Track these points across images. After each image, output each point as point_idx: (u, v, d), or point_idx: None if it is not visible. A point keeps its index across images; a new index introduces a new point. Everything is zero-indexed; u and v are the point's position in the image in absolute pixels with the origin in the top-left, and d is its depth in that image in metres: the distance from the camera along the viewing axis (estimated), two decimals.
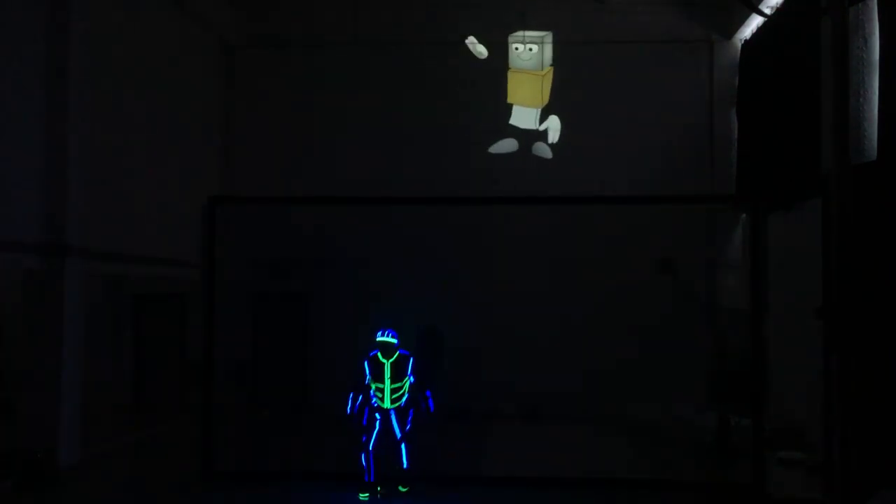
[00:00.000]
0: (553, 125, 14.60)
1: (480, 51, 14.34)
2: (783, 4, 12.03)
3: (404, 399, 8.68)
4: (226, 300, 11.28)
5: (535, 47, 13.96)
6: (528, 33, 13.86)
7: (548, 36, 14.30)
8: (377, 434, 8.60)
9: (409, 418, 8.73)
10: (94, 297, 12.68)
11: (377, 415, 8.61)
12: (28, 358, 9.88)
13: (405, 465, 8.63)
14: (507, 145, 14.71)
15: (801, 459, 10.12)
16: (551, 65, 14.44)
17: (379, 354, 8.68)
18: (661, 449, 11.46)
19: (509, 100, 14.36)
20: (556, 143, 14.72)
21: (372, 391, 8.64)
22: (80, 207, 10.20)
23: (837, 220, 7.58)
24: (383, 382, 8.61)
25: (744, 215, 13.26)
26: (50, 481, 9.14)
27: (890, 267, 7.79)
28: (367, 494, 8.58)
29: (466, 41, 14.40)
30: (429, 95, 14.94)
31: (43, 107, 9.82)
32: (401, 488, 8.67)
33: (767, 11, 12.24)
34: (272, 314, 14.79)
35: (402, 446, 8.63)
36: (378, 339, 8.68)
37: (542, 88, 14.17)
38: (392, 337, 8.69)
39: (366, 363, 8.68)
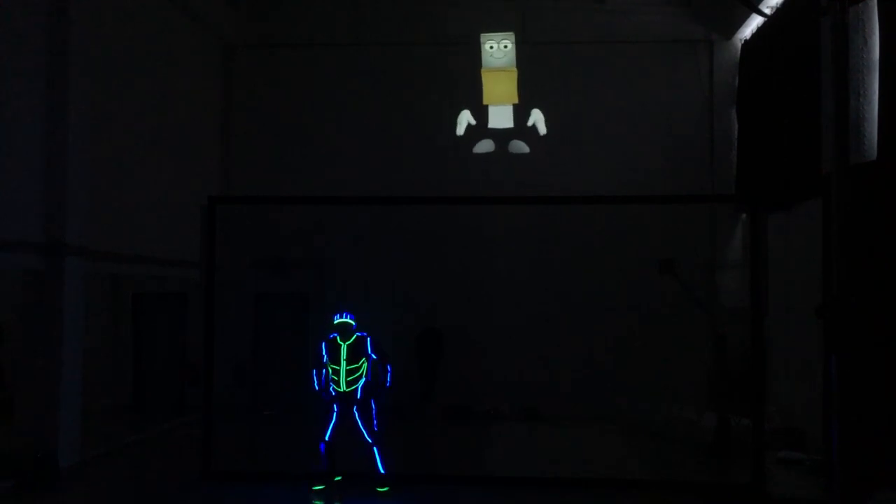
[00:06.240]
0: (537, 118, 14.69)
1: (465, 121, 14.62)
2: (783, 4, 12.02)
3: (361, 382, 8.61)
4: (226, 300, 11.30)
5: (508, 44, 14.11)
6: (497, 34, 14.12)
7: (511, 35, 14.48)
8: (335, 425, 8.56)
9: (374, 413, 8.66)
10: (93, 297, 12.69)
11: (335, 405, 8.57)
12: (28, 358, 9.88)
13: (382, 470, 8.58)
14: (485, 146, 14.77)
15: (801, 459, 10.12)
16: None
17: (337, 337, 8.68)
18: (661, 449, 11.47)
19: (485, 101, 14.52)
20: (555, 143, 14.72)
21: (326, 375, 8.61)
22: (80, 207, 10.20)
23: (837, 220, 7.57)
24: (339, 364, 8.57)
25: (744, 215, 13.26)
26: (50, 481, 9.13)
27: (890, 267, 7.80)
28: (322, 486, 8.60)
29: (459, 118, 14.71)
30: (429, 95, 14.92)
31: (43, 107, 9.82)
32: (379, 489, 8.58)
33: (767, 11, 12.23)
34: (272, 314, 14.79)
35: (375, 450, 8.59)
36: (336, 321, 8.67)
37: (514, 85, 14.35)
38: (349, 318, 8.69)
39: (323, 345, 8.69)
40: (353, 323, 8.71)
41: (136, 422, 13.23)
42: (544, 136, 14.75)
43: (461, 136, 14.80)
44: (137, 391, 14.60)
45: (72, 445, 9.99)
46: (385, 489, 8.56)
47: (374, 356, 8.71)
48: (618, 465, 10.22)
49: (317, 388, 8.74)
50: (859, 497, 7.39)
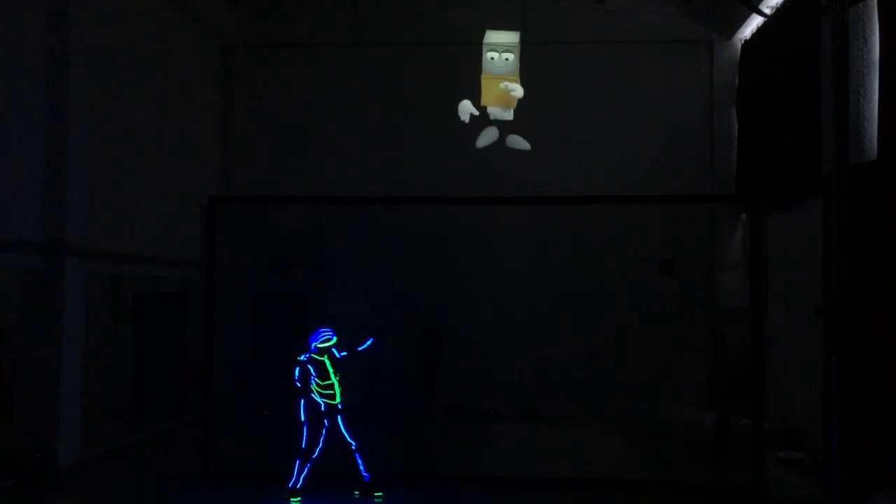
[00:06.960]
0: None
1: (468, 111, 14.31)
2: (783, 4, 12.03)
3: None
4: (226, 300, 11.29)
5: (510, 56, 13.97)
6: (501, 40, 13.86)
7: (516, 42, 14.24)
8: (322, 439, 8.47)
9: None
10: (93, 297, 12.69)
11: (325, 420, 8.48)
12: (28, 358, 9.88)
13: (366, 477, 8.51)
14: (488, 135, 14.62)
15: (801, 459, 10.12)
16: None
17: (314, 355, 8.54)
18: (661, 449, 11.47)
19: (483, 102, 14.29)
20: (555, 143, 14.69)
21: (314, 393, 8.49)
22: (80, 207, 10.20)
23: (837, 220, 7.58)
24: (331, 378, 8.49)
25: (744, 215, 13.26)
26: (50, 481, 9.14)
27: (890, 267, 7.80)
28: (298, 498, 8.49)
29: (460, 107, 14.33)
30: (428, 95, 14.91)
31: (43, 107, 9.82)
32: (376, 495, 8.47)
33: (767, 11, 12.23)
34: (272, 314, 14.78)
35: (357, 455, 8.51)
36: (320, 346, 8.50)
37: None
38: (328, 335, 8.54)
39: (309, 367, 8.51)
40: (334, 339, 8.55)
41: (136, 422, 13.23)
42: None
43: (464, 126, 14.60)
44: (137, 391, 14.59)
45: (72, 445, 9.98)
46: (380, 494, 8.46)
47: (343, 354, 8.59)
48: (618, 465, 10.21)
49: (304, 418, 8.56)
50: (859, 497, 7.39)
